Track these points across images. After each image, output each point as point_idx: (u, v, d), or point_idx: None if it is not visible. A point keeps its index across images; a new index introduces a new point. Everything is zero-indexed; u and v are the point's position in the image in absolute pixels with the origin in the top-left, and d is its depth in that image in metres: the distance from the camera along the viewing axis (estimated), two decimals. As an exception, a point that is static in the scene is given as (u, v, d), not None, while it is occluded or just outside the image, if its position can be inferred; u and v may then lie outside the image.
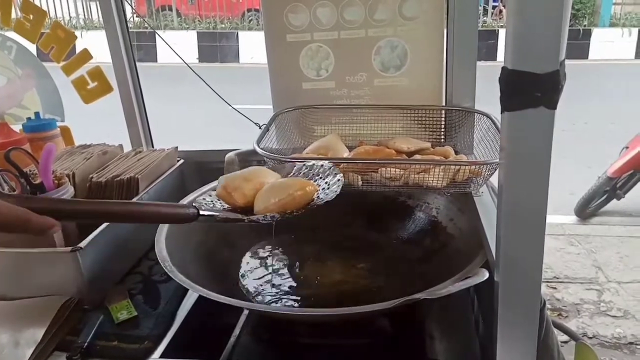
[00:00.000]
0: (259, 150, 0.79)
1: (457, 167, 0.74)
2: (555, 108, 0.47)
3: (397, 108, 0.97)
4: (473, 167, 0.74)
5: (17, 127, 1.09)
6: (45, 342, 0.68)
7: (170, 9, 7.54)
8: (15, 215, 0.48)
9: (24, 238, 0.75)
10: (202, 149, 1.15)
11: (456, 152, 0.89)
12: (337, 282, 0.79)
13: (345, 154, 0.84)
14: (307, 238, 0.92)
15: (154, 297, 0.79)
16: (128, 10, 1.10)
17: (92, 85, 1.11)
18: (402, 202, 0.95)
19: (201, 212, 0.61)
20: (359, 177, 0.77)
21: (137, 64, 1.14)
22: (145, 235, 0.94)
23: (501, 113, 0.49)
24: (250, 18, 7.70)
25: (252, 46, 6.78)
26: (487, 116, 0.88)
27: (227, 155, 1.02)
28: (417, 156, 0.84)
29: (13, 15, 1.10)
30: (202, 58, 6.89)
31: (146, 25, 6.88)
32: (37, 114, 1.10)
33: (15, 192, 0.81)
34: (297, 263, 0.86)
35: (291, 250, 0.90)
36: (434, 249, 0.83)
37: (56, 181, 0.86)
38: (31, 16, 1.07)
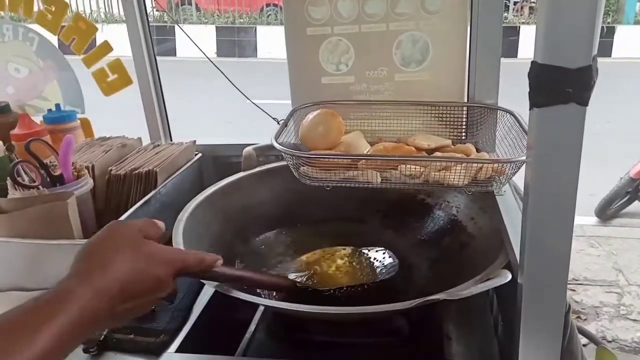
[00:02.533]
0: (277, 145, 0.78)
1: (479, 165, 0.72)
2: (587, 104, 0.46)
3: (418, 104, 0.95)
4: (496, 165, 0.72)
5: (37, 119, 1.10)
6: (62, 333, 0.69)
7: (190, 4, 7.58)
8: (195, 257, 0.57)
9: (39, 228, 0.75)
10: (220, 143, 1.15)
11: (477, 150, 0.87)
12: (353, 279, 0.77)
13: (367, 150, 0.82)
14: (322, 232, 0.91)
15: (170, 290, 0.79)
16: (149, 5, 1.10)
17: (112, 77, 1.11)
18: (421, 200, 0.93)
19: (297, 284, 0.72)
20: (378, 174, 0.76)
21: (157, 57, 1.14)
22: (162, 228, 0.94)
23: (530, 109, 0.47)
24: (268, 13, 7.70)
25: (270, 41, 6.78)
26: (511, 113, 0.86)
27: (244, 150, 1.01)
28: (438, 153, 0.82)
29: (35, 8, 1.11)
30: (220, 52, 6.91)
31: (165, 19, 6.94)
32: (57, 105, 1.11)
33: (35, 183, 0.82)
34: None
35: (306, 244, 0.89)
36: (454, 248, 0.81)
37: (75, 173, 0.87)
38: (53, 7, 1.08)
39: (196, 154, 1.11)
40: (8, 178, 0.82)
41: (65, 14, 1.09)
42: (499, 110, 0.90)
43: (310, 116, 0.87)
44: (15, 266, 0.77)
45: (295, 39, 0.99)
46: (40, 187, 0.81)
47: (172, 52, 6.26)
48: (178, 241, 0.74)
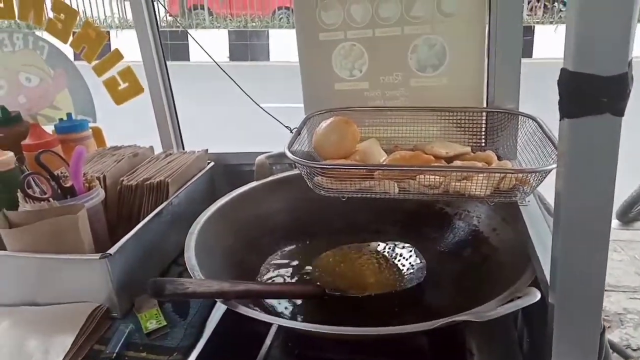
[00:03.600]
0: (290, 155, 0.75)
1: (502, 175, 0.69)
2: (622, 115, 0.43)
3: (435, 110, 0.92)
4: (520, 174, 0.69)
5: (49, 128, 1.09)
6: (74, 351, 0.67)
7: (203, 8, 7.61)
8: None
9: (50, 242, 0.74)
10: (233, 152, 1.13)
11: (498, 158, 0.83)
12: (380, 283, 0.75)
13: (383, 159, 0.80)
14: (337, 243, 0.88)
15: (183, 305, 0.77)
16: (161, 10, 1.08)
17: (123, 86, 1.10)
18: (440, 210, 0.91)
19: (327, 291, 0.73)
20: (396, 184, 0.73)
21: (170, 62, 1.13)
22: (173, 240, 0.93)
23: (560, 119, 0.44)
24: (280, 16, 7.71)
25: (283, 44, 6.78)
26: (533, 119, 0.82)
27: (257, 159, 0.99)
28: (458, 162, 0.79)
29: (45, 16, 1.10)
30: (232, 56, 6.93)
31: (178, 24, 6.98)
32: (69, 115, 1.10)
33: (46, 195, 0.80)
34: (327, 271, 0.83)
35: (319, 255, 0.86)
36: (476, 261, 0.78)
37: (87, 184, 0.85)
38: (62, 15, 1.07)
39: (208, 163, 1.09)
40: (19, 190, 0.81)
41: (75, 22, 1.08)
42: (520, 116, 0.87)
43: (324, 124, 0.84)
44: (26, 281, 0.76)
45: (308, 44, 0.97)
46: (51, 199, 0.79)
47: (186, 56, 6.29)
48: (190, 255, 0.72)
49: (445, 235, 0.87)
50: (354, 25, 0.94)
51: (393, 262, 0.81)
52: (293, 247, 0.91)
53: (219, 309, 0.75)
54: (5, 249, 0.76)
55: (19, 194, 0.81)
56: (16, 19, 1.10)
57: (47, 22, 1.08)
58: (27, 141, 1.00)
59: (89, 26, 1.07)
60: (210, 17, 7.61)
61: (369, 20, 0.93)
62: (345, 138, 0.82)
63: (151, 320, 0.72)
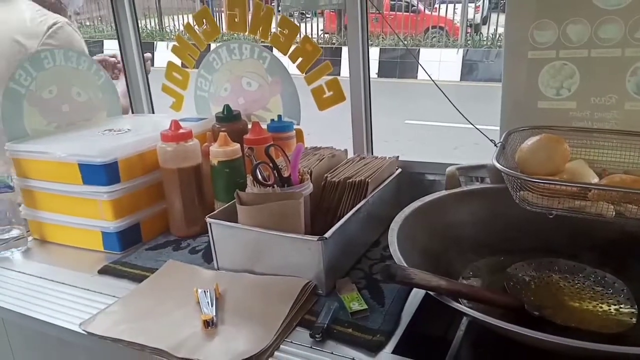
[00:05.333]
0: (499, 166, 0.78)
1: None
2: None
3: (653, 136, 0.87)
4: None
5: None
6: (290, 317, 0.78)
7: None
8: None
9: (275, 221, 0.86)
10: (422, 160, 1.18)
11: None
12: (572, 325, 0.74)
13: (594, 180, 0.78)
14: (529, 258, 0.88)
15: (378, 294, 0.84)
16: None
17: (328, 94, 1.22)
18: (649, 241, 0.85)
19: (525, 307, 0.74)
20: (612, 207, 0.71)
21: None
22: (364, 235, 1.01)
23: None
24: (433, 35, 7.68)
25: (431, 63, 6.74)
26: None
27: (447, 169, 1.03)
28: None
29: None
30: (381, 73, 7.07)
31: (333, 41, 7.39)
32: (279, 116, 1.26)
33: (271, 182, 0.94)
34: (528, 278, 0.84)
35: (508, 271, 0.86)
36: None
37: (300, 177, 0.98)
38: (286, 31, 1.24)
39: (397, 169, 1.16)
40: (249, 175, 0.95)
41: (296, 37, 1.23)
42: None
43: (531, 141, 0.85)
44: (250, 251, 0.90)
45: (515, 61, 0.99)
46: (274, 185, 0.93)
47: (337, 71, 6.61)
48: (394, 249, 0.78)
49: (655, 270, 0.81)
50: (568, 44, 0.93)
51: (598, 293, 0.78)
52: (482, 259, 0.92)
53: (412, 301, 0.81)
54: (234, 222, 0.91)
55: (249, 178, 0.96)
56: (247, 32, 1.30)
57: (272, 36, 1.26)
58: (248, 136, 1.17)
59: (307, 41, 1.22)
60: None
61: (587, 40, 0.91)
62: (555, 156, 0.81)
63: (353, 302, 0.80)
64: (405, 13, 8.15)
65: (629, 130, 0.90)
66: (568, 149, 0.83)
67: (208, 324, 0.76)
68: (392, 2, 8.42)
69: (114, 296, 0.89)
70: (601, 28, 0.90)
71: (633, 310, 0.74)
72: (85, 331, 0.79)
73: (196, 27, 1.35)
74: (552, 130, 0.92)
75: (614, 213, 0.71)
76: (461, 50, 7.13)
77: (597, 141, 0.92)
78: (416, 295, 0.82)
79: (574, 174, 0.81)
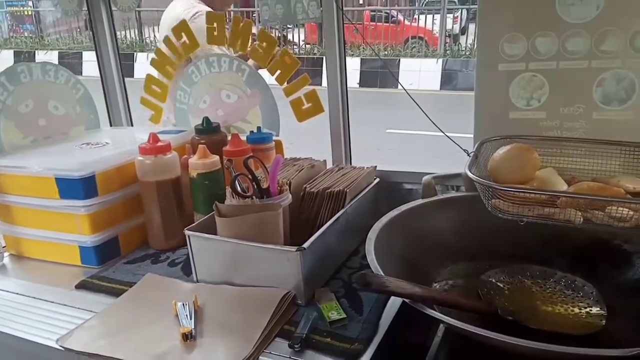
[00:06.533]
0: (471, 175, 0.80)
1: None
2: None
3: (620, 144, 0.90)
4: None
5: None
6: (269, 328, 0.78)
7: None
8: None
9: (253, 233, 0.87)
10: (399, 170, 1.20)
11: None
12: (557, 322, 0.76)
13: (564, 188, 0.81)
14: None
15: (357, 302, 0.85)
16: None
17: (306, 105, 1.24)
18: (618, 246, 0.87)
19: (499, 312, 0.76)
20: (579, 213, 0.73)
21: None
22: (343, 245, 1.02)
23: None
24: (413, 45, 7.79)
25: (411, 73, 6.82)
26: None
27: (424, 178, 1.05)
28: (647, 198, 0.77)
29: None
30: (362, 83, 7.14)
31: (314, 52, 7.47)
32: (259, 128, 1.27)
33: (249, 193, 0.95)
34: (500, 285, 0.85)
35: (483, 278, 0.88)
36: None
37: (279, 188, 0.99)
38: (264, 44, 1.25)
39: (375, 179, 1.18)
40: (228, 187, 0.96)
41: (274, 50, 1.25)
42: None
43: (502, 150, 0.88)
44: (229, 263, 0.90)
45: (486, 74, 1.01)
46: (253, 197, 0.93)
47: (319, 82, 6.66)
48: (371, 258, 0.80)
49: (623, 274, 0.84)
50: (537, 57, 0.96)
51: (569, 297, 0.80)
52: (458, 265, 0.94)
53: (390, 309, 0.82)
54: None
55: (228, 190, 0.96)
56: (226, 45, 1.31)
57: (251, 49, 1.27)
58: (228, 148, 1.18)
59: (285, 54, 1.24)
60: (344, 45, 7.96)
61: (555, 52, 0.94)
62: (526, 165, 0.84)
63: (332, 311, 0.81)
64: (385, 24, 8.26)
65: (596, 138, 0.94)
66: (538, 158, 0.86)
67: (187, 336, 0.76)
68: (372, 13, 8.53)
69: (91, 311, 0.88)
70: (568, 41, 0.93)
71: (602, 312, 0.77)
72: (63, 347, 0.78)
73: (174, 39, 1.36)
74: (523, 140, 0.95)
75: (582, 219, 0.73)
76: (441, 60, 7.25)
77: (566, 149, 0.96)
78: (394, 303, 0.83)
79: (544, 181, 0.83)
